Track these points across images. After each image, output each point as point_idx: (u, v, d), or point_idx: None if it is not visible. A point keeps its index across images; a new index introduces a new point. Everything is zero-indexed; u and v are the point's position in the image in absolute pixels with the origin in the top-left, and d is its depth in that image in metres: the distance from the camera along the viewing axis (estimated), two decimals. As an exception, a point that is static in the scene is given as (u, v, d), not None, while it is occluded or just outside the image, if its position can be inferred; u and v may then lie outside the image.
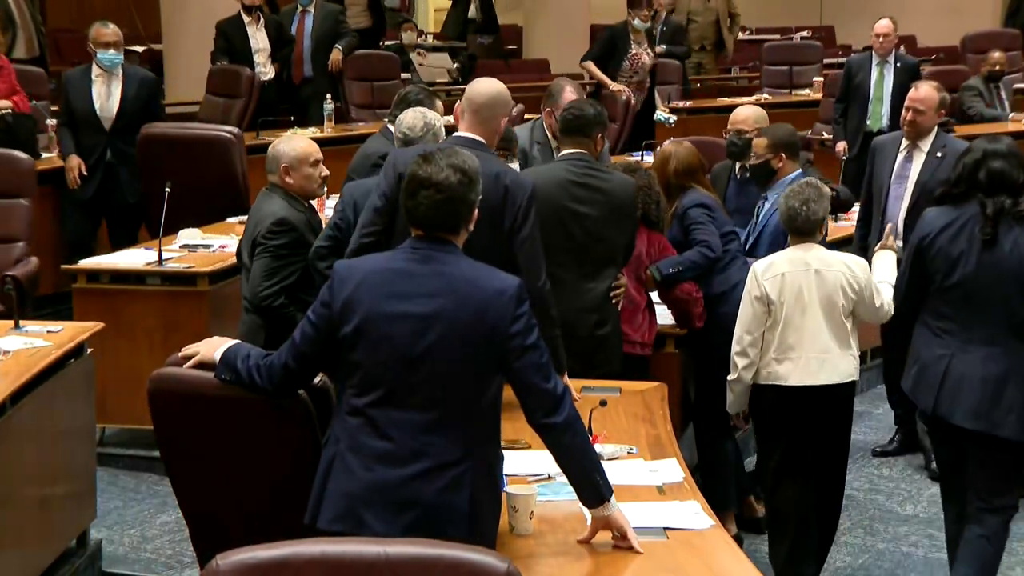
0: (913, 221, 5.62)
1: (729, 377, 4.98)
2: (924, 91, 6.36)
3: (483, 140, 4.52)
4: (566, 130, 5.25)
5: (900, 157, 6.42)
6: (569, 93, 6.12)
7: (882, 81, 9.50)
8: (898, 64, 9.49)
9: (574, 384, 4.64)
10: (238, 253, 5.48)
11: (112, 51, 8.07)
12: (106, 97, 8.12)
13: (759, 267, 4.94)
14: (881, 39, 9.44)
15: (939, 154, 6.25)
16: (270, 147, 5.35)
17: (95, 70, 8.11)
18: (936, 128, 6.36)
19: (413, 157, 4.49)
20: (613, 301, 5.16)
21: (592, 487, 3.35)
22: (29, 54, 11.51)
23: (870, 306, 4.95)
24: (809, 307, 4.87)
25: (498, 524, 3.39)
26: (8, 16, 11.24)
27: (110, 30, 8.11)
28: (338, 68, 10.89)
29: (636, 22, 10.50)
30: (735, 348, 4.93)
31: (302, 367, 3.49)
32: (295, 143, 5.30)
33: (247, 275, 5.23)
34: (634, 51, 10.49)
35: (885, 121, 9.24)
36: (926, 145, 6.33)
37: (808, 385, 4.85)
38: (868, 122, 9.45)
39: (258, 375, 3.53)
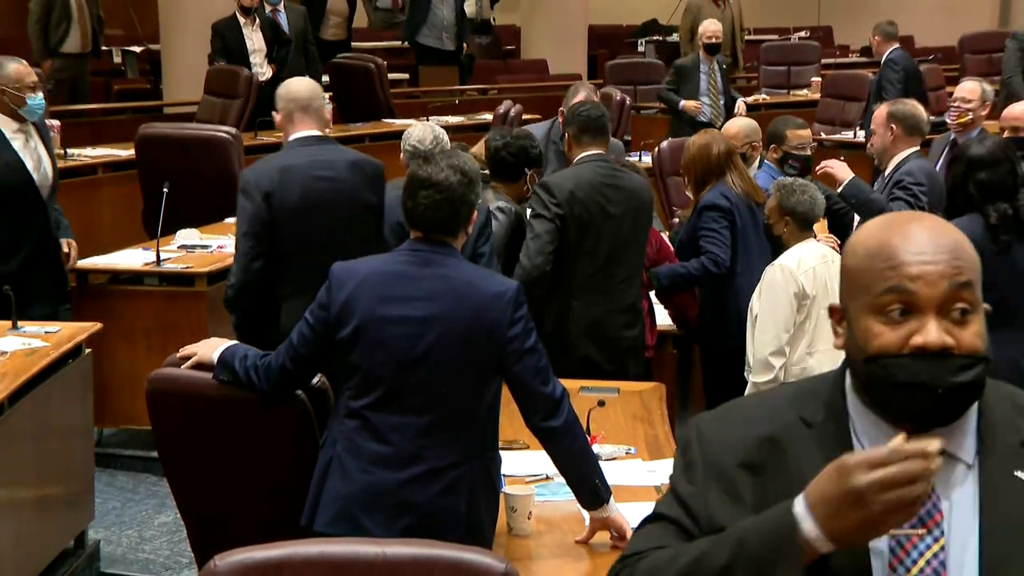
0: None
1: (760, 379, 4.88)
2: (880, 108, 5.87)
3: (323, 134, 4.76)
4: (590, 130, 5.19)
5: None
6: (582, 95, 6.13)
7: None
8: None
9: (572, 384, 4.65)
10: None
11: (40, 94, 5.82)
12: (37, 158, 5.80)
13: (790, 263, 4.91)
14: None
15: (889, 180, 5.70)
16: None
17: (10, 124, 5.69)
18: (908, 153, 5.71)
19: (272, 173, 4.63)
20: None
21: (591, 490, 3.34)
22: (83, 49, 11.60)
23: None
24: (832, 298, 4.88)
25: (495, 527, 3.39)
26: (65, 9, 11.33)
27: (27, 68, 5.85)
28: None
29: None
30: (770, 348, 4.85)
31: (299, 368, 3.49)
32: None
33: None
34: None
35: None
36: (887, 170, 5.79)
37: None
38: None
39: (256, 376, 3.53)
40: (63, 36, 11.42)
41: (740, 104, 10.21)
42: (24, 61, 5.89)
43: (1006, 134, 5.75)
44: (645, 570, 1.81)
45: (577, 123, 5.22)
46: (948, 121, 6.85)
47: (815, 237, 5.07)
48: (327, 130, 4.85)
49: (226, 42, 10.30)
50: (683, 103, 10.09)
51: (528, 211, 5.17)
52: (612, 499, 3.36)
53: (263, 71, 10.39)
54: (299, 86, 4.92)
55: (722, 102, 10.14)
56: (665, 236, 5.88)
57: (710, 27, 10.27)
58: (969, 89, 6.60)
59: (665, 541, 1.83)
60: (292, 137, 4.81)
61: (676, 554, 1.78)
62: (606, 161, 5.17)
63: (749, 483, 1.80)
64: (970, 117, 6.16)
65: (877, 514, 1.64)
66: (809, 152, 6.00)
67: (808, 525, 1.68)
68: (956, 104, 6.63)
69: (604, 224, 5.06)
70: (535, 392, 3.29)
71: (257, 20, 10.41)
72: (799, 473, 1.75)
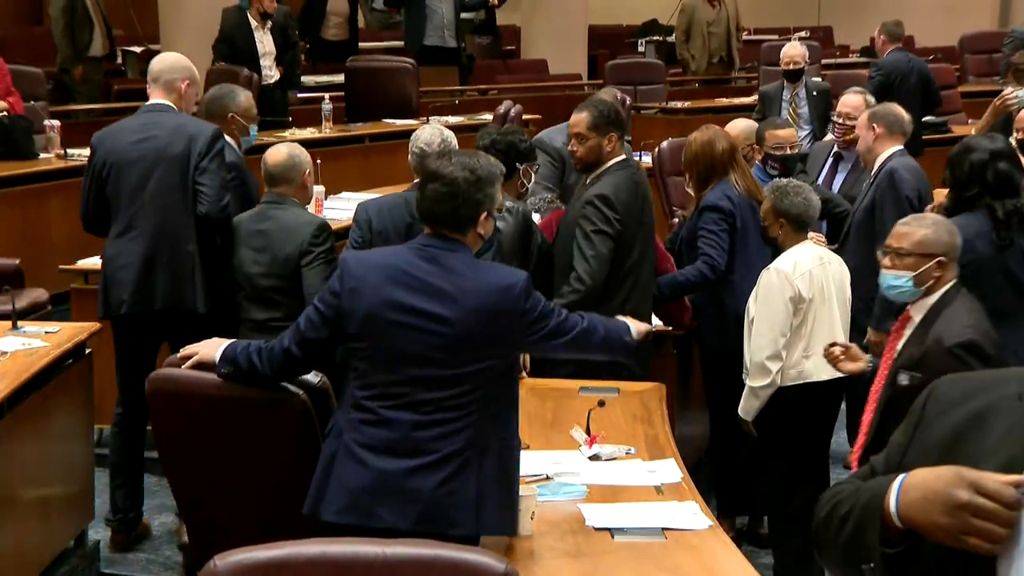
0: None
1: (757, 384, 4.89)
2: (863, 112, 5.92)
3: (171, 104, 5.29)
4: (625, 132, 5.17)
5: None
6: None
7: None
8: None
9: (572, 384, 4.65)
10: (252, 275, 5.08)
11: (256, 127, 5.84)
12: None
13: (786, 267, 4.90)
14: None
15: (874, 180, 5.68)
16: (288, 157, 5.20)
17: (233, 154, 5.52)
18: (891, 152, 5.69)
19: (104, 133, 5.31)
20: None
21: (620, 347, 3.74)
22: (104, 51, 11.70)
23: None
24: (829, 300, 4.90)
25: (516, 516, 3.38)
26: (85, 13, 11.41)
27: (252, 99, 5.87)
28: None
29: None
30: (767, 352, 4.85)
31: (304, 353, 3.48)
32: (301, 150, 5.28)
33: (275, 297, 5.04)
34: None
35: None
36: (872, 169, 5.76)
37: (835, 378, 4.85)
38: None
39: (258, 359, 3.53)
40: (89, 41, 11.50)
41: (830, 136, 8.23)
42: (250, 93, 5.94)
43: (1021, 135, 5.78)
44: (824, 500, 2.00)
45: (622, 124, 5.09)
46: (833, 137, 6.82)
47: (805, 238, 5.05)
48: (182, 103, 5.35)
49: (235, 46, 10.28)
50: None
51: (585, 224, 5.02)
52: (632, 328, 3.75)
53: (272, 74, 10.41)
54: (157, 59, 5.44)
55: (805, 131, 8.75)
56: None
57: (788, 51, 9.00)
58: (853, 105, 6.52)
59: (855, 481, 1.99)
60: (147, 103, 5.38)
61: (836, 493, 1.96)
62: (630, 166, 5.15)
63: (947, 450, 1.86)
64: (856, 133, 5.98)
65: (956, 529, 1.71)
66: (790, 151, 5.97)
67: (892, 498, 1.78)
68: (840, 121, 6.57)
69: (639, 232, 5.06)
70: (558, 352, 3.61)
71: (268, 23, 10.41)
72: (990, 441, 1.81)
